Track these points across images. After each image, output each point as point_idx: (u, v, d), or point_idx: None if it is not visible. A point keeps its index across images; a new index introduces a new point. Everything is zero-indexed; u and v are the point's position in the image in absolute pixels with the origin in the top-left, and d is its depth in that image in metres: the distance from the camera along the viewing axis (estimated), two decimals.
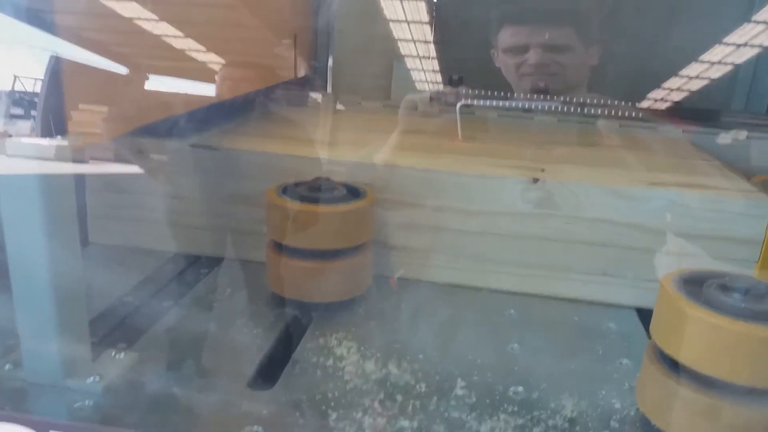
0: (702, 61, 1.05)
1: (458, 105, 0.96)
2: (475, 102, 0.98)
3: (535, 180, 0.64)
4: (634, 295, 0.64)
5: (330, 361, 0.51)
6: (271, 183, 0.60)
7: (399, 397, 0.46)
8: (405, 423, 0.43)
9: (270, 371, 0.49)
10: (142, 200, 0.70)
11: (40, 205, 0.41)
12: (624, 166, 0.79)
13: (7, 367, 0.46)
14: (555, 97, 0.99)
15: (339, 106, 1.04)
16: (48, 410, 0.43)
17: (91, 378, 0.45)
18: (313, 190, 0.59)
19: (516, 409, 0.46)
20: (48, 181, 0.42)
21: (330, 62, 1.13)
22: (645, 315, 0.62)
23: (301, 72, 1.02)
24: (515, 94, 1.03)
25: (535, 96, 0.99)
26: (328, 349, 0.53)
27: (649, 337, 0.58)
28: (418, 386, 0.48)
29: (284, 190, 0.60)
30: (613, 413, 0.47)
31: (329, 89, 1.10)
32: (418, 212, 0.66)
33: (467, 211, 0.65)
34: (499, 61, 1.04)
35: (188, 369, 0.49)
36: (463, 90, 0.98)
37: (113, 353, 0.48)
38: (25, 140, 0.43)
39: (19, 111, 0.55)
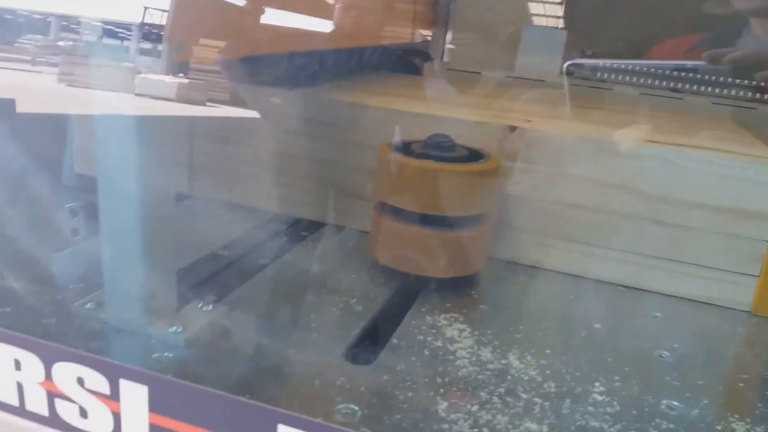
0: None
1: (565, 65, 0.84)
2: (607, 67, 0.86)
3: None
4: None
5: (439, 342, 0.43)
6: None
7: (522, 395, 0.38)
8: (533, 426, 0.35)
9: (369, 345, 0.42)
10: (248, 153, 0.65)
11: (139, 142, 0.37)
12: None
13: (89, 306, 0.42)
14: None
15: (456, 75, 0.96)
16: (124, 357, 0.38)
17: (174, 328, 0.40)
18: (431, 147, 0.52)
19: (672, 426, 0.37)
20: (152, 119, 0.38)
21: (449, 34, 1.05)
22: None
23: (418, 37, 0.95)
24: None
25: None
26: (436, 328, 0.45)
27: None
28: (546, 384, 0.39)
29: (398, 146, 0.53)
30: None
31: (446, 58, 1.02)
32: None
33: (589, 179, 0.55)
34: None
35: (278, 331, 0.43)
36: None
37: (200, 305, 0.43)
38: (151, 77, 0.39)
39: (147, 45, 0.52)
